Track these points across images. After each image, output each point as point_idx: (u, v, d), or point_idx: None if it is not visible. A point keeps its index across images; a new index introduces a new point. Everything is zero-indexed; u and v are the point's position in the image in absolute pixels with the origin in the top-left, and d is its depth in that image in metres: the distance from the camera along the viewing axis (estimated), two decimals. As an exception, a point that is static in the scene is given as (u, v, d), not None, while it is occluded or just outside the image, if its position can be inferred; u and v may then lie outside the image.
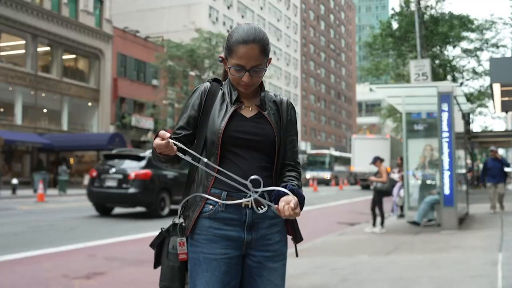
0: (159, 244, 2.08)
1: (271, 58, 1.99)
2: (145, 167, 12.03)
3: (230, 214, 1.92)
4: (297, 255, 2.13)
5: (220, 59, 2.02)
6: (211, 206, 1.92)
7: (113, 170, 12.25)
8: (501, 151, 40.05)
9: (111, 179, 12.11)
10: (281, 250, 2.01)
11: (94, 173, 12.53)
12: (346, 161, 51.60)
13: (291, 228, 2.06)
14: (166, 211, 12.27)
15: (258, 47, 1.88)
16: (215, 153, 1.93)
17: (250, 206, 1.92)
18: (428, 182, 10.94)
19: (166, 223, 2.09)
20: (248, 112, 1.99)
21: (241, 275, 1.97)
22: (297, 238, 2.07)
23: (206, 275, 1.89)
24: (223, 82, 2.05)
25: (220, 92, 2.01)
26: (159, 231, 2.07)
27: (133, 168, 12.12)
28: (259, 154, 1.96)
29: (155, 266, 2.11)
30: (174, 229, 2.03)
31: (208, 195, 1.92)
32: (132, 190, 11.74)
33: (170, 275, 2.02)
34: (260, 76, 1.94)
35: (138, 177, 11.84)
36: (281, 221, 2.02)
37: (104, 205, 12.65)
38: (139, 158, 12.46)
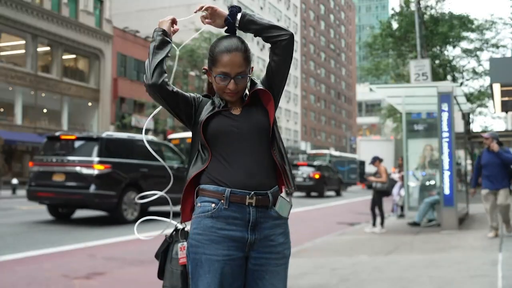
0: (164, 252, 2.09)
1: (253, 67, 2.03)
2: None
3: (233, 213, 1.90)
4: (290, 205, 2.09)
5: (204, 70, 2.04)
6: (213, 205, 1.91)
7: (301, 172, 23.32)
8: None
9: (300, 177, 23.28)
10: (284, 253, 2.00)
11: None
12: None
13: (285, 176, 2.02)
14: None
15: (241, 55, 1.93)
16: (206, 149, 1.96)
17: (254, 204, 1.91)
18: (427, 183, 10.94)
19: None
20: (237, 111, 2.00)
21: (243, 279, 1.95)
22: (291, 187, 2.04)
23: (208, 277, 1.87)
24: (212, 97, 2.07)
25: (210, 101, 2.04)
26: (159, 233, 2.09)
27: (308, 172, 23.54)
28: (257, 148, 1.96)
29: (159, 276, 2.11)
30: (177, 235, 2.05)
31: (212, 192, 1.92)
32: (310, 183, 23.50)
33: (170, 279, 2.03)
34: (244, 83, 1.97)
35: (313, 175, 23.54)
36: (285, 222, 2.02)
37: None
38: (312, 166, 24.59)
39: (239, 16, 1.98)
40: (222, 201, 1.90)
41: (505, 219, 8.03)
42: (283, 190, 2.09)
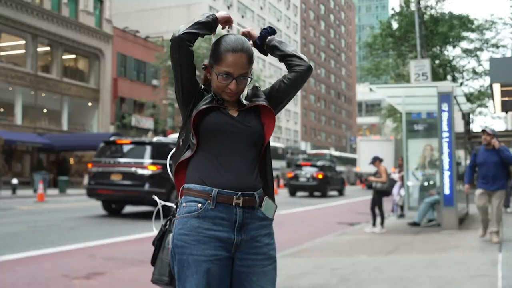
0: (159, 240, 2.12)
1: (252, 68, 2.03)
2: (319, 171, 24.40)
3: (220, 213, 1.88)
4: None
5: (203, 66, 2.03)
6: (200, 205, 1.88)
7: (304, 172, 24.26)
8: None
9: (304, 177, 24.07)
10: (270, 253, 1.98)
11: (292, 174, 24.85)
12: (346, 161, 51.64)
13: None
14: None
15: (246, 56, 1.94)
16: (193, 143, 1.94)
17: (241, 205, 1.90)
18: (426, 183, 10.94)
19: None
20: (234, 113, 2.00)
21: (230, 281, 1.94)
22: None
23: (195, 278, 1.84)
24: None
25: (209, 95, 2.02)
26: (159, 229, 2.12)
27: (312, 172, 24.20)
28: (249, 152, 1.96)
29: (152, 263, 2.14)
30: (171, 225, 2.07)
31: (198, 192, 1.90)
32: (314, 183, 23.82)
33: (161, 268, 2.06)
34: (245, 85, 1.97)
35: (317, 175, 24.02)
36: (270, 224, 2.01)
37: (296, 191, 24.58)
38: (315, 166, 24.92)
39: (267, 40, 2.10)
40: (209, 201, 1.88)
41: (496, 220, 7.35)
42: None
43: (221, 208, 1.88)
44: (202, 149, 1.94)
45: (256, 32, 2.12)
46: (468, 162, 14.89)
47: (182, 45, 1.93)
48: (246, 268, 1.92)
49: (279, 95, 2.08)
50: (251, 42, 2.07)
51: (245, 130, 1.95)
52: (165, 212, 2.32)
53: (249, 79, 1.98)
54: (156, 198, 2.46)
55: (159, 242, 2.12)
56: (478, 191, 7.57)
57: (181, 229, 1.89)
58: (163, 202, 2.32)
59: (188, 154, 1.96)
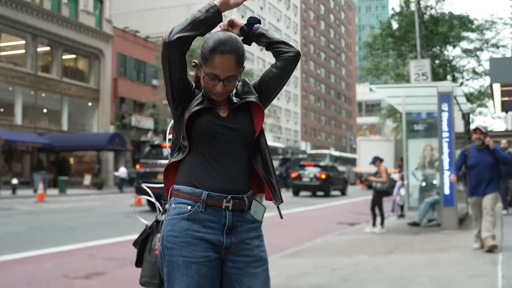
0: (143, 241, 2.11)
1: (244, 67, 1.96)
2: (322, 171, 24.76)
3: (210, 216, 1.87)
4: (281, 217, 2.08)
5: (194, 64, 1.99)
6: (189, 207, 1.87)
7: (307, 172, 24.69)
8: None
9: (307, 177, 24.50)
10: (261, 255, 1.96)
11: (295, 174, 25.12)
12: (346, 161, 51.64)
13: (271, 189, 1.99)
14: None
15: (234, 58, 1.87)
16: (184, 146, 1.92)
17: (230, 208, 1.89)
18: (424, 184, 10.93)
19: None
20: (224, 112, 1.96)
21: (220, 282, 1.93)
22: (278, 200, 2.00)
23: (185, 279, 1.83)
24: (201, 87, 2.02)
25: (200, 93, 1.99)
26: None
27: (315, 172, 24.52)
28: (240, 154, 1.94)
29: (137, 264, 2.12)
30: (157, 226, 2.06)
31: (188, 194, 1.88)
32: (317, 182, 24.20)
33: (151, 270, 2.05)
34: (233, 86, 1.92)
35: (320, 175, 24.29)
36: (259, 226, 2.00)
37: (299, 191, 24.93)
38: (318, 166, 25.34)
39: (254, 28, 2.02)
40: (198, 203, 1.86)
41: (487, 226, 6.62)
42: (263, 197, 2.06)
43: (210, 210, 1.87)
44: (193, 151, 1.92)
45: (241, 21, 2.04)
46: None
47: (172, 52, 1.86)
48: (236, 270, 1.91)
49: (270, 86, 2.03)
50: (237, 31, 2.01)
51: (236, 132, 1.92)
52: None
53: (237, 80, 1.93)
54: (145, 187, 2.43)
55: (142, 243, 2.11)
56: (471, 200, 6.91)
57: (170, 231, 1.87)
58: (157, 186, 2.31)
59: (179, 156, 1.94)
